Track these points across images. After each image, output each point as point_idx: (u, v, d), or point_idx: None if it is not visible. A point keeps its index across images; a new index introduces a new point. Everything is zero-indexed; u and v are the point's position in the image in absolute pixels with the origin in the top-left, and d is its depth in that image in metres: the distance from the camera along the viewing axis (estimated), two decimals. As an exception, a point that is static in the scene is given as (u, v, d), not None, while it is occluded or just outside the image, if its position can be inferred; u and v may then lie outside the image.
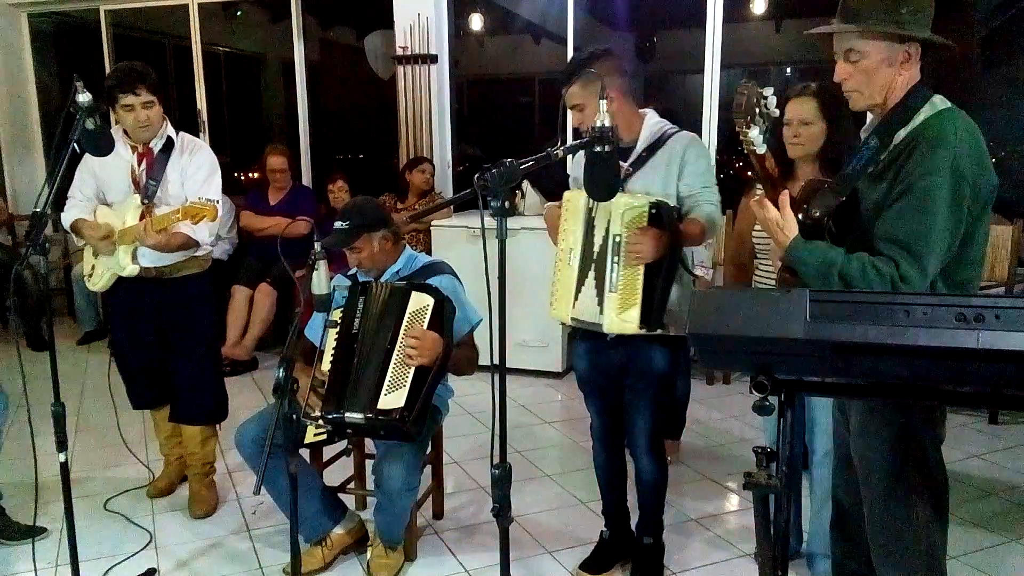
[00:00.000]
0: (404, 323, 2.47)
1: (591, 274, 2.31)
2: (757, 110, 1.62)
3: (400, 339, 2.46)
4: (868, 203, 1.75)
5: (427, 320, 2.46)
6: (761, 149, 1.67)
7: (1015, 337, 1.21)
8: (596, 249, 2.30)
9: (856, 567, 2.03)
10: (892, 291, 1.63)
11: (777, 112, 1.66)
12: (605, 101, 1.78)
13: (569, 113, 2.35)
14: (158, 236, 2.71)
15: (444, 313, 2.50)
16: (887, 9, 1.68)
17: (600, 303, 2.28)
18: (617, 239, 2.23)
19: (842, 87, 1.78)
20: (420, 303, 2.49)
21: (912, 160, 1.66)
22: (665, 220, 2.22)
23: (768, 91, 1.64)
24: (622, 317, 2.24)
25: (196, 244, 2.89)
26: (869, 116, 1.87)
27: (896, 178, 1.69)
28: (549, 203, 2.49)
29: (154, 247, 2.78)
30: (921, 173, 1.64)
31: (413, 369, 2.42)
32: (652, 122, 2.39)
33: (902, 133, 1.72)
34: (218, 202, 2.76)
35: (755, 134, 1.64)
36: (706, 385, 4.62)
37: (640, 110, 2.42)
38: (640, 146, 2.35)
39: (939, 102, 1.72)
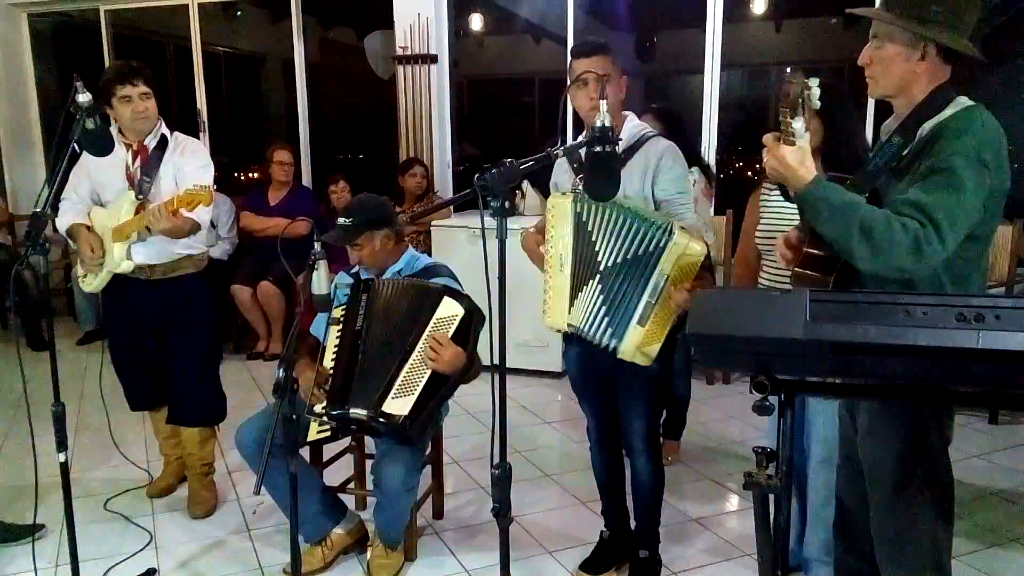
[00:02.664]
0: (430, 326, 2.45)
1: (593, 284, 2.28)
2: (801, 100, 1.61)
3: (423, 342, 2.43)
4: (891, 199, 1.73)
5: (453, 329, 2.44)
6: (801, 141, 1.65)
7: (1015, 337, 1.21)
8: (605, 261, 2.26)
9: (859, 567, 2.03)
10: (912, 250, 1.57)
11: (819, 104, 1.64)
12: (605, 101, 1.78)
13: (570, 104, 2.34)
14: (174, 219, 2.70)
15: (472, 326, 2.47)
16: (916, 4, 1.66)
17: (614, 326, 2.26)
18: (665, 279, 2.19)
19: (865, 71, 1.77)
20: (450, 311, 2.46)
21: (938, 145, 1.63)
22: (709, 264, 2.24)
23: (814, 82, 1.60)
24: (643, 351, 2.24)
25: (198, 227, 2.88)
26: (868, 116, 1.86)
27: (921, 165, 1.66)
28: (523, 229, 2.47)
29: (167, 232, 2.76)
30: (948, 154, 1.61)
31: (427, 377, 2.40)
32: (632, 125, 2.40)
33: (927, 126, 1.70)
34: (211, 187, 2.75)
35: (799, 125, 1.62)
36: (706, 385, 4.62)
37: (622, 112, 2.42)
38: (620, 149, 2.35)
39: (964, 101, 1.71)
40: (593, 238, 2.27)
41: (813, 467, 2.47)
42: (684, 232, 2.18)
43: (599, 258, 2.27)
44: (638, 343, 2.24)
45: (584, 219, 2.28)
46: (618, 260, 2.25)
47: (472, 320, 2.46)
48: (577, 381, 2.59)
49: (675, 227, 2.19)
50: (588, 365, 2.51)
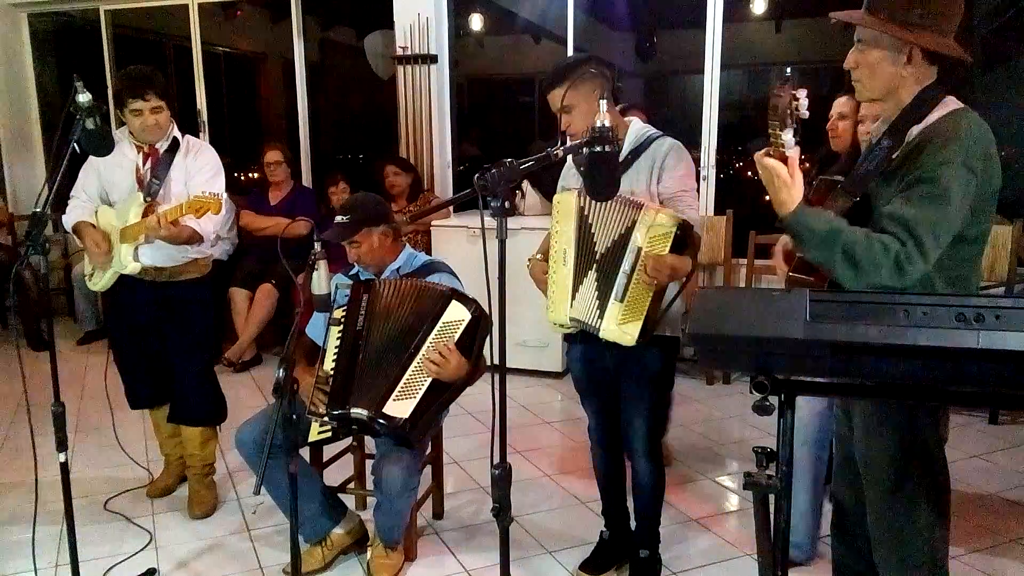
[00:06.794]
0: (435, 331, 2.44)
1: (591, 274, 2.31)
2: (789, 111, 1.61)
3: (427, 347, 2.42)
4: (881, 203, 1.73)
5: (458, 335, 2.42)
6: (791, 152, 1.65)
7: (1015, 337, 1.21)
8: (600, 250, 2.29)
9: (857, 567, 2.03)
10: (895, 270, 1.61)
11: (807, 114, 1.64)
12: (604, 101, 1.78)
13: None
14: (172, 228, 2.70)
15: (477, 332, 2.44)
16: (899, 8, 1.67)
17: (601, 307, 2.28)
18: (637, 251, 2.21)
19: (851, 75, 1.78)
20: (456, 315, 2.44)
21: (924, 153, 1.64)
22: (688, 244, 2.23)
23: (802, 93, 1.60)
24: (623, 328, 2.24)
25: (201, 239, 2.89)
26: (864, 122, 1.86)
27: (907, 172, 1.67)
28: (530, 257, 2.48)
29: (165, 239, 2.77)
30: (934, 165, 1.62)
31: (428, 382, 2.40)
32: (637, 127, 2.41)
33: (915, 130, 1.71)
34: (221, 195, 2.76)
35: (788, 137, 1.62)
36: (706, 385, 4.62)
37: (625, 118, 2.44)
38: (625, 150, 2.37)
39: (952, 102, 1.71)
40: (592, 230, 2.31)
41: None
42: (653, 206, 2.23)
43: (596, 248, 2.31)
44: (617, 319, 2.25)
45: (586, 213, 2.32)
46: (608, 245, 2.28)
47: (479, 326, 2.44)
48: (580, 380, 2.60)
49: (646, 203, 2.23)
50: (591, 364, 2.51)
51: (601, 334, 2.28)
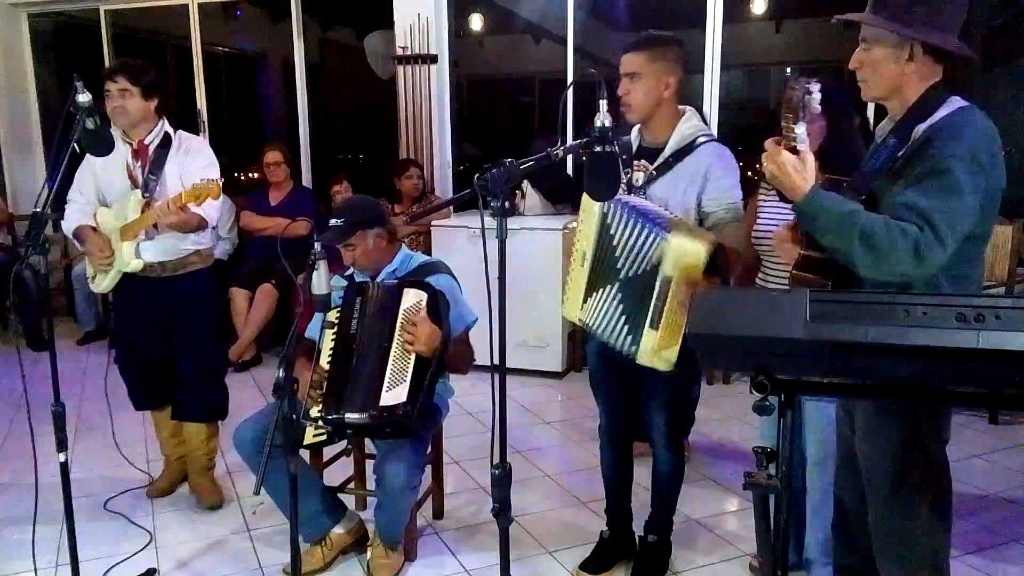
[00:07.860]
0: (399, 319, 2.49)
1: (611, 289, 2.27)
2: (802, 104, 1.60)
3: (396, 334, 2.47)
4: (887, 202, 1.73)
5: (422, 314, 2.48)
6: (803, 146, 1.65)
7: (1015, 337, 1.21)
8: (623, 269, 2.24)
9: (858, 567, 2.03)
10: (913, 255, 1.59)
11: (819, 108, 1.64)
12: (604, 101, 1.78)
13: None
14: (181, 214, 2.70)
15: (438, 307, 2.51)
16: (901, 6, 1.67)
17: (632, 331, 2.24)
18: (666, 280, 2.16)
19: (857, 75, 1.78)
20: (413, 299, 2.51)
21: (933, 148, 1.64)
22: (719, 265, 2.19)
23: (815, 87, 1.60)
24: (661, 355, 2.20)
25: (206, 224, 2.89)
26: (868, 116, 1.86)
27: (916, 167, 1.66)
28: (567, 226, 2.47)
29: (175, 225, 2.77)
30: (944, 156, 1.61)
31: (412, 363, 2.42)
32: (685, 126, 2.33)
33: (921, 127, 1.70)
34: (218, 181, 2.75)
35: (801, 130, 1.62)
36: (706, 385, 4.61)
37: (680, 107, 2.37)
38: (668, 150, 2.31)
39: (957, 101, 1.71)
40: (615, 243, 2.25)
41: (809, 468, 2.48)
42: (681, 233, 2.15)
43: (619, 264, 2.25)
44: (653, 347, 2.21)
45: (608, 221, 2.26)
46: (638, 271, 2.22)
47: (438, 300, 2.51)
48: (597, 372, 2.59)
49: (674, 228, 2.16)
50: (607, 362, 2.51)
51: (638, 360, 2.24)
